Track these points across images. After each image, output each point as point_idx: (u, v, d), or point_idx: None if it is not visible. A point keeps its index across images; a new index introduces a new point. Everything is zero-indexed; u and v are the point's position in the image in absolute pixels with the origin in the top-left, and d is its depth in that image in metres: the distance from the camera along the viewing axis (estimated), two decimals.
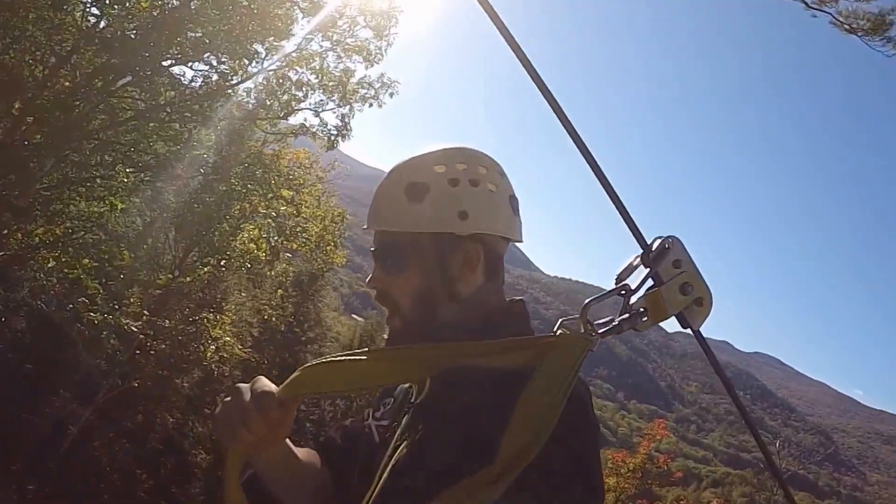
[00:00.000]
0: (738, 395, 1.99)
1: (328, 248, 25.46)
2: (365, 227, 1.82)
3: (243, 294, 26.67)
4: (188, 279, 21.90)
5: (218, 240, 20.85)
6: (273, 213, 21.75)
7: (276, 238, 22.81)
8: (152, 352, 22.08)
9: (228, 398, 1.61)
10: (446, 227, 1.71)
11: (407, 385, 1.87)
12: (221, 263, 21.89)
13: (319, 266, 27.39)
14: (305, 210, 23.56)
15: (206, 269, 21.75)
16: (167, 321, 21.65)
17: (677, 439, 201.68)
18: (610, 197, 1.59)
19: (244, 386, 1.61)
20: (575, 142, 1.61)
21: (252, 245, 21.90)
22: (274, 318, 26.20)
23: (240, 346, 24.42)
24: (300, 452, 1.90)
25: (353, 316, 79.23)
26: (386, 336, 1.81)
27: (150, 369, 22.37)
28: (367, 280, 1.81)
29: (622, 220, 1.59)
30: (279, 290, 26.49)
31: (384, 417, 1.92)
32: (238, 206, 20.14)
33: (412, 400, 1.75)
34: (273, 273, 25.16)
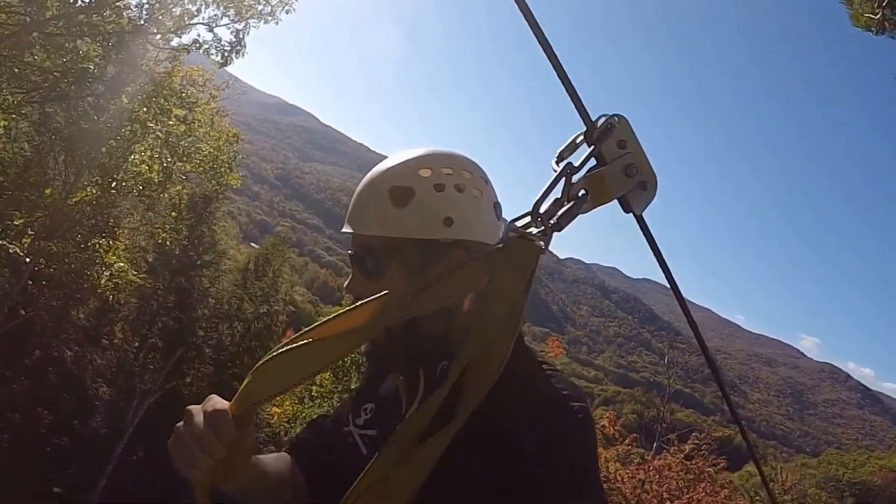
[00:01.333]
0: (701, 335, 2.01)
1: (222, 169, 24.87)
2: (343, 229, 1.75)
3: (136, 218, 25.90)
4: (76, 199, 21.10)
5: (108, 161, 20.11)
6: (165, 133, 21.10)
7: (168, 159, 22.14)
8: (44, 281, 21.34)
9: (180, 424, 1.46)
10: (431, 233, 1.68)
11: (393, 388, 1.85)
12: (112, 185, 21.16)
13: (214, 188, 26.80)
14: (198, 129, 22.88)
15: (94, 190, 20.98)
16: (57, 246, 20.90)
17: (570, 360, 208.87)
18: (552, 64, 1.48)
19: (195, 408, 1.46)
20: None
21: (144, 166, 21.23)
22: (168, 242, 25.56)
23: (134, 273, 23.79)
24: (268, 462, 1.80)
25: (252, 245, 77.76)
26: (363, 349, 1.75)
27: (44, 300, 21.66)
28: (346, 284, 1.76)
29: (565, 91, 1.50)
30: (173, 213, 25.78)
31: (369, 426, 1.86)
32: (129, 126, 19.45)
33: (405, 412, 1.71)
34: (166, 196, 24.46)
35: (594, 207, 1.47)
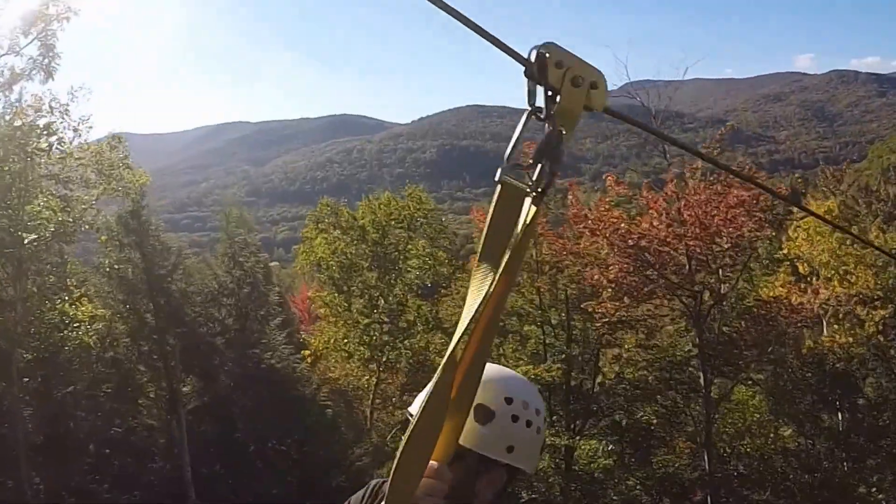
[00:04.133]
0: None
1: (124, 175, 25.18)
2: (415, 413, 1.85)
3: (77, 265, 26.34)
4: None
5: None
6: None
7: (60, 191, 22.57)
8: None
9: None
10: (494, 454, 1.93)
11: None
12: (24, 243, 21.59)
13: (132, 202, 26.91)
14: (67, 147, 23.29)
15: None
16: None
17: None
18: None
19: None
20: None
21: (44, 210, 21.72)
22: (117, 266, 25.91)
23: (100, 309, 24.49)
24: None
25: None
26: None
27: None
28: None
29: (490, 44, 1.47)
30: (101, 237, 26.11)
31: None
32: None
33: None
34: (84, 228, 24.83)
35: (570, 137, 1.50)
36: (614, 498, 25.10)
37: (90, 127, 25.53)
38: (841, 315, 24.97)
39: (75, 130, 24.96)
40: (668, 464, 26.39)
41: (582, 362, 25.73)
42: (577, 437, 25.24)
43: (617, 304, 21.85)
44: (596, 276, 21.75)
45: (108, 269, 25.60)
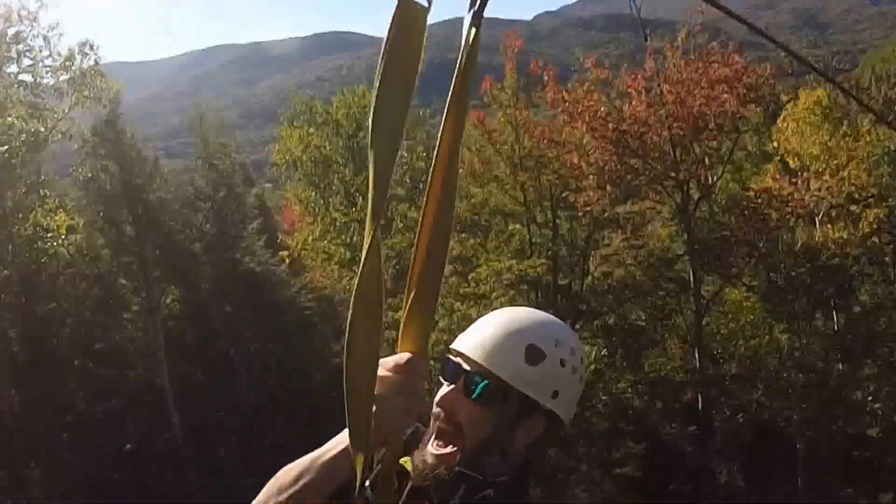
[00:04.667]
0: None
1: (94, 79, 24.69)
2: (463, 350, 1.86)
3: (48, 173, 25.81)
4: None
5: None
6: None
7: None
8: None
9: (385, 375, 1.54)
10: (540, 396, 1.84)
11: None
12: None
13: (105, 108, 26.31)
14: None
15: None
16: None
17: None
18: None
19: (387, 361, 1.57)
20: None
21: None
22: (90, 174, 25.38)
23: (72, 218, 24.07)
24: None
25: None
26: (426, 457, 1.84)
27: None
28: (441, 396, 1.85)
29: None
30: (75, 144, 25.60)
31: None
32: None
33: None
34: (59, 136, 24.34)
35: None
36: (603, 398, 25.00)
37: (60, 34, 25.22)
38: (834, 214, 24.48)
39: (45, 39, 24.55)
40: (660, 366, 26.32)
41: (571, 262, 25.31)
42: None
43: (600, 192, 21.33)
44: (575, 160, 21.21)
45: (84, 180, 25.11)
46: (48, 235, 22.93)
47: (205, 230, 24.48)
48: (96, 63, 25.09)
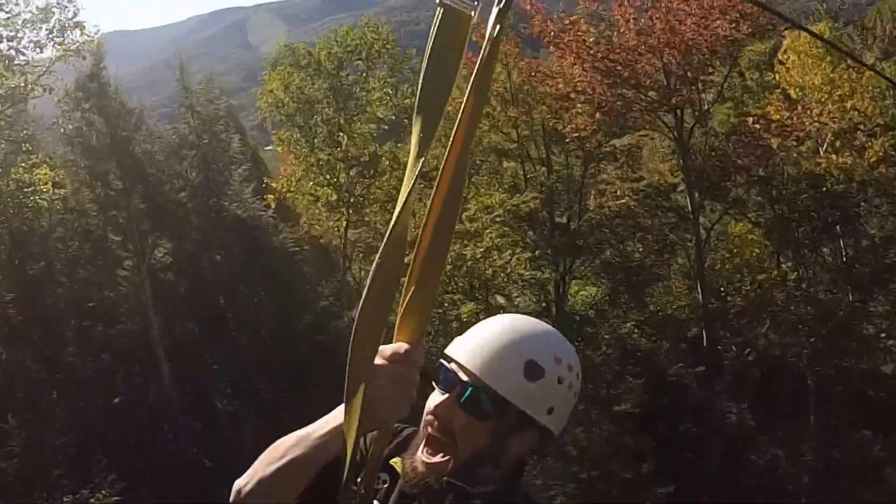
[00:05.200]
0: None
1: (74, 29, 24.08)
2: (461, 361, 1.84)
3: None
4: None
5: None
6: None
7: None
8: None
9: (382, 364, 1.56)
10: (536, 413, 1.84)
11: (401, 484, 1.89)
12: None
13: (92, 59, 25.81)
14: None
15: None
16: None
17: None
18: None
19: (385, 350, 1.58)
20: None
21: None
22: (70, 127, 24.98)
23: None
24: None
25: None
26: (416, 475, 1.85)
27: None
28: (435, 405, 1.85)
29: None
30: (57, 99, 25.12)
31: (378, 498, 1.91)
32: None
33: None
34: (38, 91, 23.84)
35: None
36: (605, 337, 24.50)
37: None
38: (839, 144, 23.67)
39: None
40: (665, 304, 25.79)
41: (568, 198, 24.65)
42: (567, 277, 24.52)
43: (590, 120, 20.69)
44: (560, 86, 20.57)
45: (68, 135, 24.70)
46: (28, 190, 22.51)
47: (190, 178, 24.03)
48: (75, 14, 24.47)
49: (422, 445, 1.85)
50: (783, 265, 25.09)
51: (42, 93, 24.44)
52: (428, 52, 1.51)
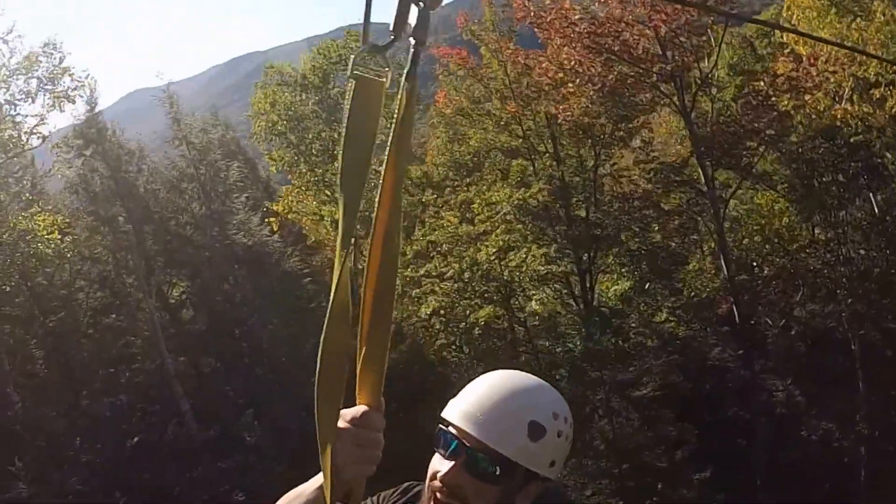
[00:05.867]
0: None
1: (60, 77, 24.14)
2: (464, 427, 1.90)
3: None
4: None
5: None
6: None
7: None
8: None
9: (344, 427, 1.59)
10: (540, 469, 1.93)
11: None
12: None
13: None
14: None
15: None
16: None
17: None
18: None
19: (346, 413, 1.61)
20: None
21: None
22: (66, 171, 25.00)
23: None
24: None
25: None
26: None
27: None
28: (443, 473, 1.90)
29: None
30: (55, 146, 25.19)
31: None
32: None
33: None
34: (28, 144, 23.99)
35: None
36: (635, 326, 23.55)
37: (20, 36, 24.92)
38: (855, 97, 22.57)
39: (4, 41, 23.93)
40: (697, 287, 24.83)
41: (583, 189, 23.80)
42: (592, 270, 23.73)
43: (585, 101, 19.94)
44: (544, 65, 19.90)
45: (71, 183, 24.67)
46: (28, 238, 22.49)
47: (192, 211, 23.77)
48: (60, 62, 24.51)
49: None
50: (807, 228, 23.94)
51: (39, 143, 24.59)
52: (345, 125, 1.50)
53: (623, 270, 24.63)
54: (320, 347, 1.49)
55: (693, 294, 24.66)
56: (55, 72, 24.03)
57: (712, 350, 25.25)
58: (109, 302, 24.38)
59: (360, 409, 1.60)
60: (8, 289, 23.05)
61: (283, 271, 24.28)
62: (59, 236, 23.45)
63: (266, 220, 25.82)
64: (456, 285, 21.52)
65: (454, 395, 2.03)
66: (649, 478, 20.67)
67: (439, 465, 1.93)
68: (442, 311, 22.20)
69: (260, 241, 24.23)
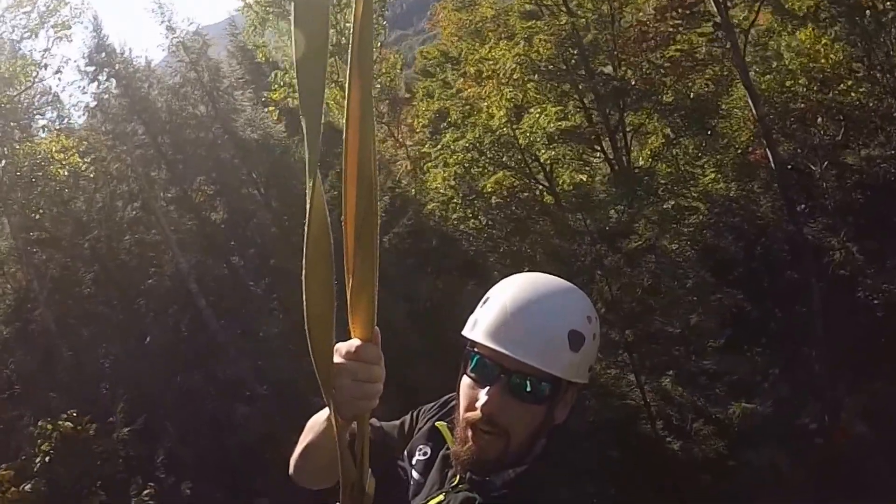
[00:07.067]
0: None
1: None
2: (503, 350, 1.73)
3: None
4: None
5: None
6: None
7: None
8: None
9: (340, 363, 1.51)
10: (583, 378, 1.83)
11: (444, 449, 1.93)
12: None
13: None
14: None
15: None
16: None
17: None
18: None
19: (340, 347, 1.52)
20: None
21: None
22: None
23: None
24: None
25: None
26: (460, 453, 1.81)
27: None
28: (484, 403, 1.74)
29: None
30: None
31: (419, 469, 1.99)
32: None
33: (455, 485, 1.84)
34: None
35: None
36: (673, 188, 22.21)
37: None
38: None
39: None
40: (737, 140, 23.21)
41: (604, 43, 22.54)
42: (621, 129, 22.64)
43: None
44: None
45: (91, 108, 24.98)
46: (39, 160, 23.24)
47: (199, 113, 23.70)
48: None
49: (469, 443, 1.77)
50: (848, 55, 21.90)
51: (52, 74, 24.93)
52: (293, 48, 1.39)
53: (656, 124, 23.35)
54: (303, 285, 1.41)
55: (727, 142, 23.11)
56: (53, 4, 24.56)
57: (760, 208, 23.45)
58: (140, 216, 24.57)
59: (353, 342, 1.52)
60: (37, 216, 23.68)
61: (289, 163, 23.75)
62: (80, 159, 23.79)
63: (267, 109, 25.40)
64: (469, 154, 20.79)
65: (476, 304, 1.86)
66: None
67: (474, 392, 1.78)
68: (453, 181, 21.56)
69: (265, 133, 23.67)
